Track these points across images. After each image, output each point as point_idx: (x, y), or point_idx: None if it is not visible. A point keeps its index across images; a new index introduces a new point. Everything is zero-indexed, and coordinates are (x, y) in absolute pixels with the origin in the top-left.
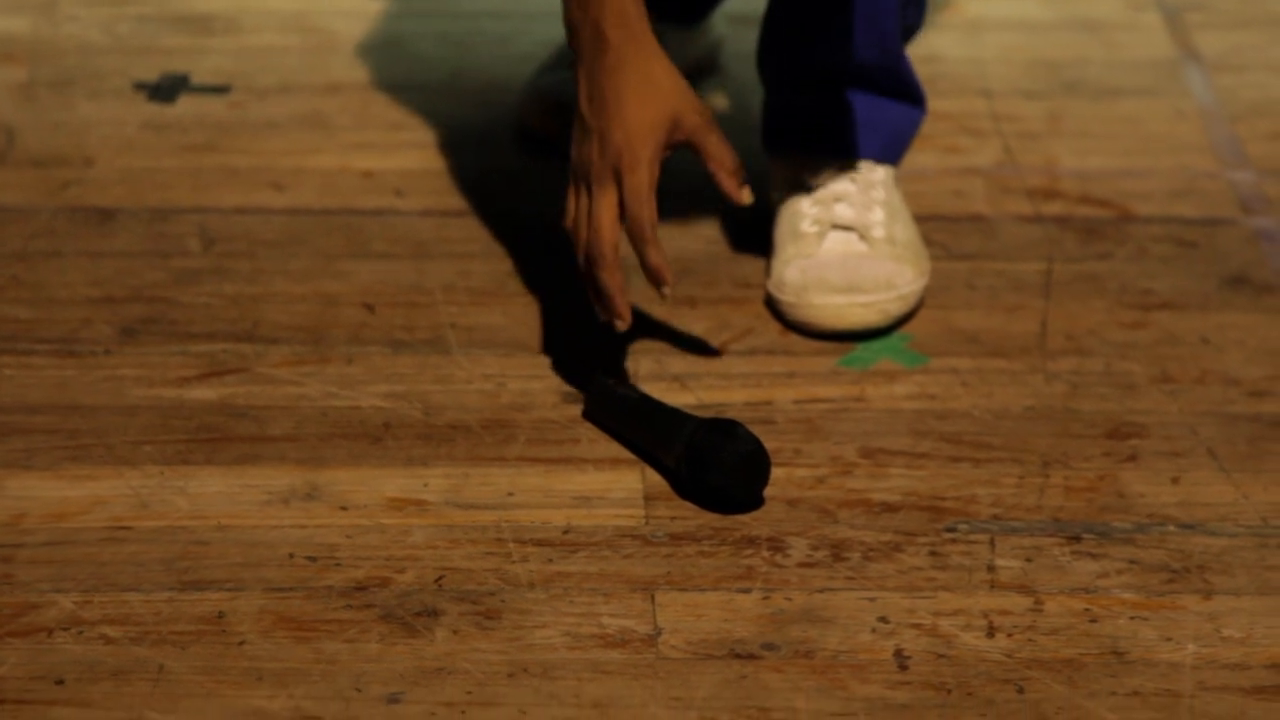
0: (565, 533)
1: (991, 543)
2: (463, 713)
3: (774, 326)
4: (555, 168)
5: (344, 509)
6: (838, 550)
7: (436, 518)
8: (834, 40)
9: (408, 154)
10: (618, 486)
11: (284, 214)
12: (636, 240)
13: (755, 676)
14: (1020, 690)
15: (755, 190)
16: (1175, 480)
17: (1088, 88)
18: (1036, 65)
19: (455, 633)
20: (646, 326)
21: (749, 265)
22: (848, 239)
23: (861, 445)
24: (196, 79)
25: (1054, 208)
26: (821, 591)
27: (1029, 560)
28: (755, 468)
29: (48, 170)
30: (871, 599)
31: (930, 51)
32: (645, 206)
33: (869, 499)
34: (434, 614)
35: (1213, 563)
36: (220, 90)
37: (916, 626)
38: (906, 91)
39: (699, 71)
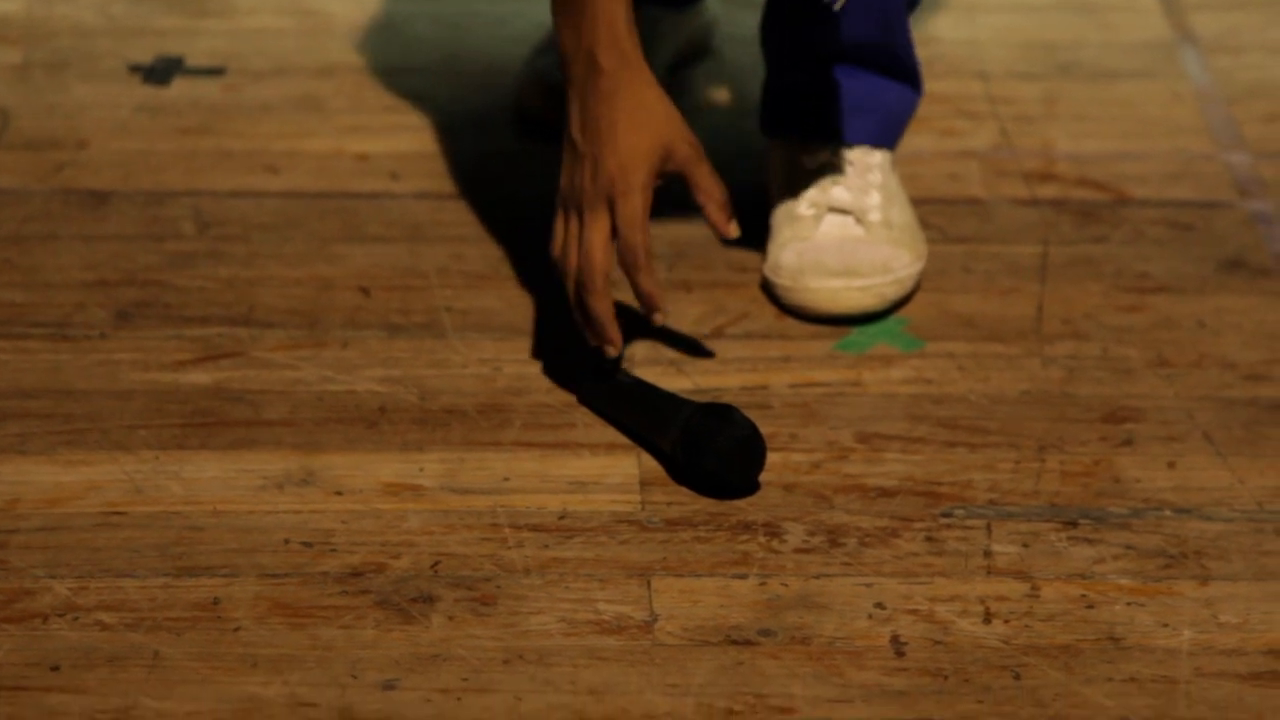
0: (561, 518)
1: (988, 528)
2: (458, 699)
3: (770, 310)
4: (552, 150)
5: (339, 494)
6: (834, 536)
7: (432, 503)
8: (836, 15)
9: (403, 137)
10: (613, 472)
11: (279, 197)
12: (630, 268)
13: (751, 663)
14: (1017, 676)
15: (751, 173)
16: (1171, 465)
17: (1084, 70)
18: (1033, 47)
19: (451, 619)
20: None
21: (745, 249)
22: (844, 222)
23: (857, 430)
24: (191, 61)
25: (1050, 191)
26: (818, 577)
27: (1025, 546)
28: (751, 453)
29: (42, 153)
30: (868, 585)
31: (927, 33)
32: (640, 233)
33: (865, 484)
34: (430, 600)
35: (1209, 548)
36: (215, 72)
37: (913, 612)
38: (904, 73)
39: (692, 55)
